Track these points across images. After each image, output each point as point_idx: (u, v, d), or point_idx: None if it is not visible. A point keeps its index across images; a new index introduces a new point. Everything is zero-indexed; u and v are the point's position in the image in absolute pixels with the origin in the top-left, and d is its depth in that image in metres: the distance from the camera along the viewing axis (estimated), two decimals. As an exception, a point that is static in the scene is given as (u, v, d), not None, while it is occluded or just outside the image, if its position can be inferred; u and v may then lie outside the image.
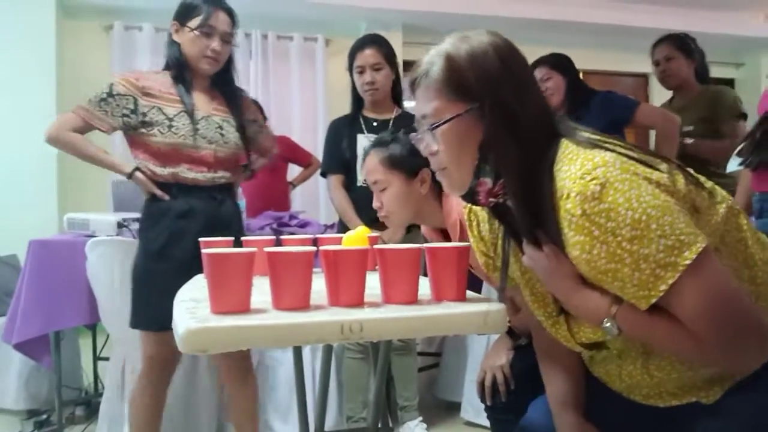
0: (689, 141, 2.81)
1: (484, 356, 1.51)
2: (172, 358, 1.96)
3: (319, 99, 5.08)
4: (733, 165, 2.38)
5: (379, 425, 1.63)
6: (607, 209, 0.86)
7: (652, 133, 3.11)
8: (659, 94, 5.13)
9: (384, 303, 1.02)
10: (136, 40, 4.72)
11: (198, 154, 1.93)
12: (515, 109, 0.97)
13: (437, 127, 1.02)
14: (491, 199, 1.04)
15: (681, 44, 2.97)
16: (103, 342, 2.86)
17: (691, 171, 0.99)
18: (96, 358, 2.97)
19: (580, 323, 1.03)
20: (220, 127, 1.97)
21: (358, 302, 1.00)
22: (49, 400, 2.72)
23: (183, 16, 1.94)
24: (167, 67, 1.98)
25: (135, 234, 2.38)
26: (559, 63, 2.81)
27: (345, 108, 2.71)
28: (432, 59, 1.03)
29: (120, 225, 2.40)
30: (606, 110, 2.75)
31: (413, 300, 1.03)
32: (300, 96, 5.05)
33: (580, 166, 0.90)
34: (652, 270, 0.85)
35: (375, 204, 1.64)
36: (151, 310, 1.85)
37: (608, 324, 0.94)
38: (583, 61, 2.80)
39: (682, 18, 5.17)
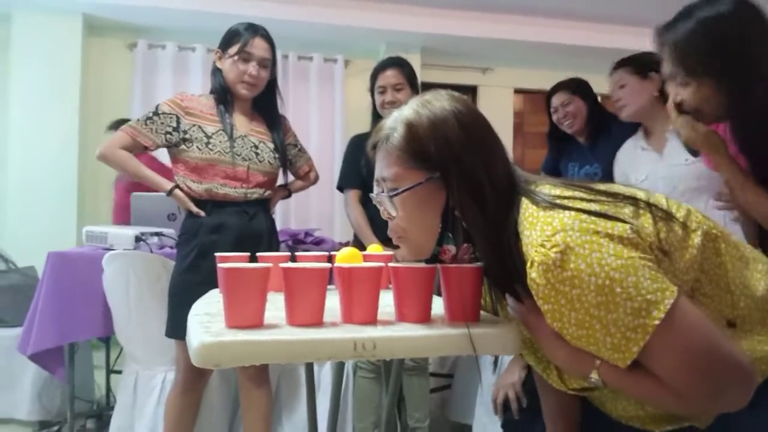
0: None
1: (499, 376, 1.52)
2: None
3: (337, 119, 5.12)
4: None
5: (390, 446, 1.63)
6: (570, 277, 0.84)
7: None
8: (678, 120, 5.10)
9: (397, 321, 1.02)
10: (159, 58, 4.80)
11: (233, 170, 2.06)
12: (478, 177, 0.97)
13: (397, 194, 1.01)
14: (455, 265, 1.04)
15: None
16: (117, 355, 2.87)
17: (663, 202, 0.97)
18: (109, 371, 2.98)
19: None
20: (256, 147, 2.11)
21: (372, 320, 1.00)
22: (61, 412, 2.74)
23: (224, 43, 2.10)
24: (213, 91, 2.13)
25: (152, 248, 2.41)
26: (580, 88, 2.80)
27: (362, 128, 2.73)
28: (393, 125, 1.03)
29: (138, 239, 2.42)
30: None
31: (426, 319, 1.02)
32: (318, 115, 5.10)
33: (540, 232, 0.89)
34: (623, 333, 0.84)
35: None
36: (185, 321, 1.93)
37: (594, 379, 0.92)
38: (601, 85, 2.80)
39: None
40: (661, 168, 2.15)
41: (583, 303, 0.85)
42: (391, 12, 4.84)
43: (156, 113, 2.06)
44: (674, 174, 2.07)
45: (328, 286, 1.00)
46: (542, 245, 0.87)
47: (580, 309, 0.85)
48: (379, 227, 2.36)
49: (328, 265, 1.01)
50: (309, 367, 1.49)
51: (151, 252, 2.38)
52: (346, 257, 1.23)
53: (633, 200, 0.95)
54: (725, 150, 1.45)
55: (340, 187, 2.66)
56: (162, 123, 2.05)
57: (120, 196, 4.07)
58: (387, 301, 1.05)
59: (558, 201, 0.93)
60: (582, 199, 0.93)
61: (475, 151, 0.99)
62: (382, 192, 1.05)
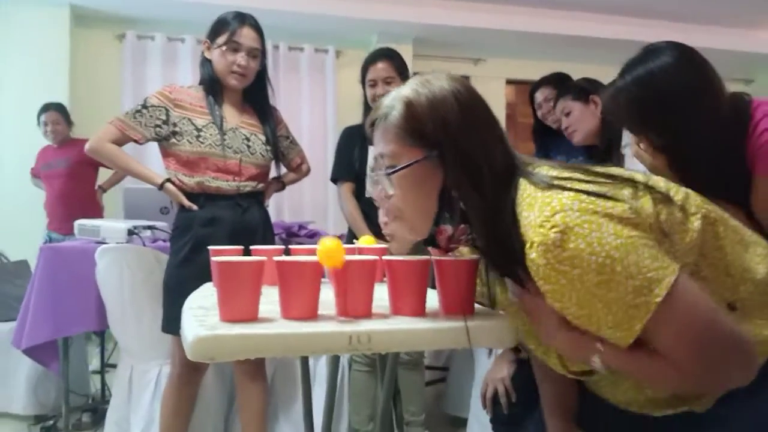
0: None
1: (488, 369, 1.53)
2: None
3: (329, 110, 5.11)
4: None
5: (385, 438, 1.63)
6: (570, 257, 0.84)
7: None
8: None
9: (392, 314, 1.02)
10: (148, 50, 4.77)
11: (224, 163, 2.03)
12: (476, 157, 0.97)
13: (394, 172, 1.01)
14: (452, 245, 1.03)
15: None
16: (111, 349, 2.87)
17: (662, 185, 0.97)
18: (104, 365, 2.98)
19: None
20: (247, 139, 2.08)
21: (367, 313, 1.00)
22: (57, 406, 2.74)
23: (212, 33, 2.07)
24: (202, 83, 2.10)
25: (145, 242, 2.40)
26: (563, 83, 2.80)
27: (354, 119, 2.72)
28: (392, 103, 1.02)
29: (131, 232, 2.42)
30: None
31: (421, 312, 1.03)
32: (310, 107, 5.08)
33: (538, 213, 0.89)
34: (625, 311, 0.85)
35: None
36: (180, 316, 1.94)
37: (596, 363, 0.92)
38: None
39: (693, 34, 5.16)
40: None
41: (584, 282, 0.85)
42: (383, 2, 4.82)
43: (144, 106, 2.03)
44: None
45: (322, 280, 1.00)
46: (541, 226, 0.87)
47: (581, 289, 0.85)
48: (373, 221, 2.36)
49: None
50: (304, 361, 1.49)
51: (144, 245, 2.37)
52: (328, 249, 1.11)
53: (632, 182, 0.95)
54: None
55: (334, 179, 2.65)
56: (151, 116, 2.02)
57: (60, 186, 3.91)
58: (381, 294, 1.05)
59: (556, 182, 0.93)
60: (580, 180, 0.93)
61: (473, 131, 0.98)
62: (380, 170, 1.04)
